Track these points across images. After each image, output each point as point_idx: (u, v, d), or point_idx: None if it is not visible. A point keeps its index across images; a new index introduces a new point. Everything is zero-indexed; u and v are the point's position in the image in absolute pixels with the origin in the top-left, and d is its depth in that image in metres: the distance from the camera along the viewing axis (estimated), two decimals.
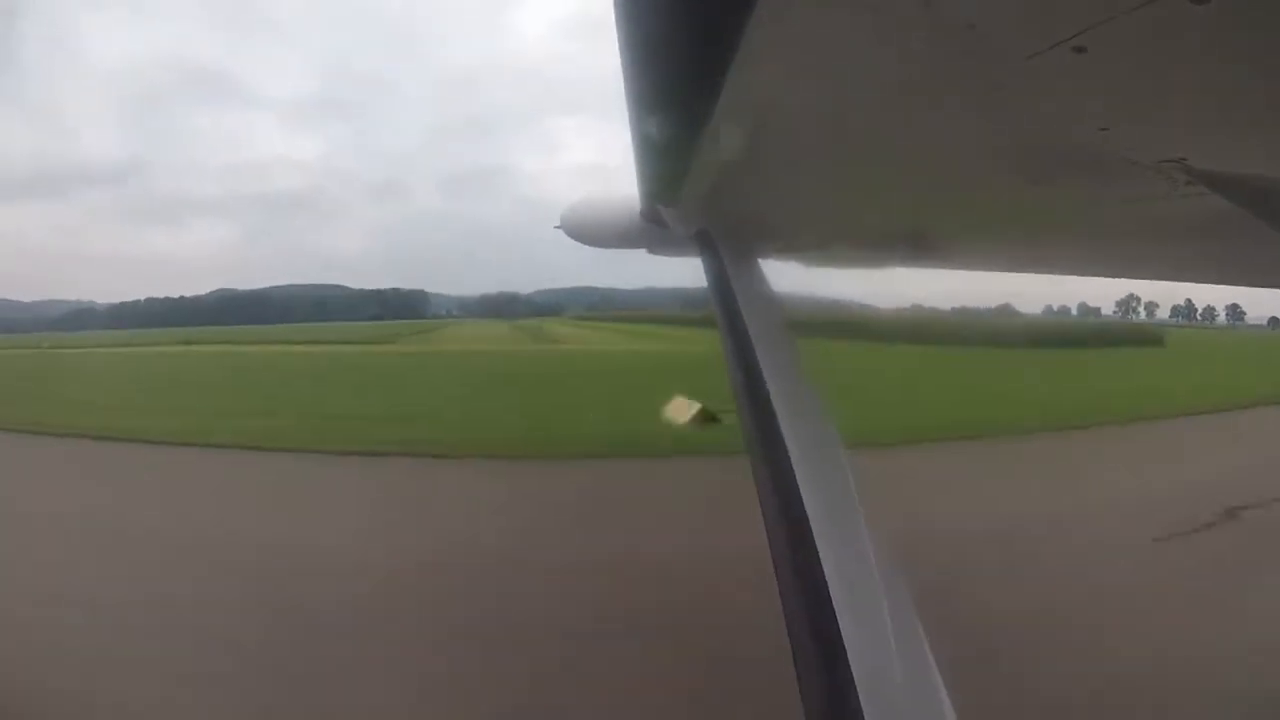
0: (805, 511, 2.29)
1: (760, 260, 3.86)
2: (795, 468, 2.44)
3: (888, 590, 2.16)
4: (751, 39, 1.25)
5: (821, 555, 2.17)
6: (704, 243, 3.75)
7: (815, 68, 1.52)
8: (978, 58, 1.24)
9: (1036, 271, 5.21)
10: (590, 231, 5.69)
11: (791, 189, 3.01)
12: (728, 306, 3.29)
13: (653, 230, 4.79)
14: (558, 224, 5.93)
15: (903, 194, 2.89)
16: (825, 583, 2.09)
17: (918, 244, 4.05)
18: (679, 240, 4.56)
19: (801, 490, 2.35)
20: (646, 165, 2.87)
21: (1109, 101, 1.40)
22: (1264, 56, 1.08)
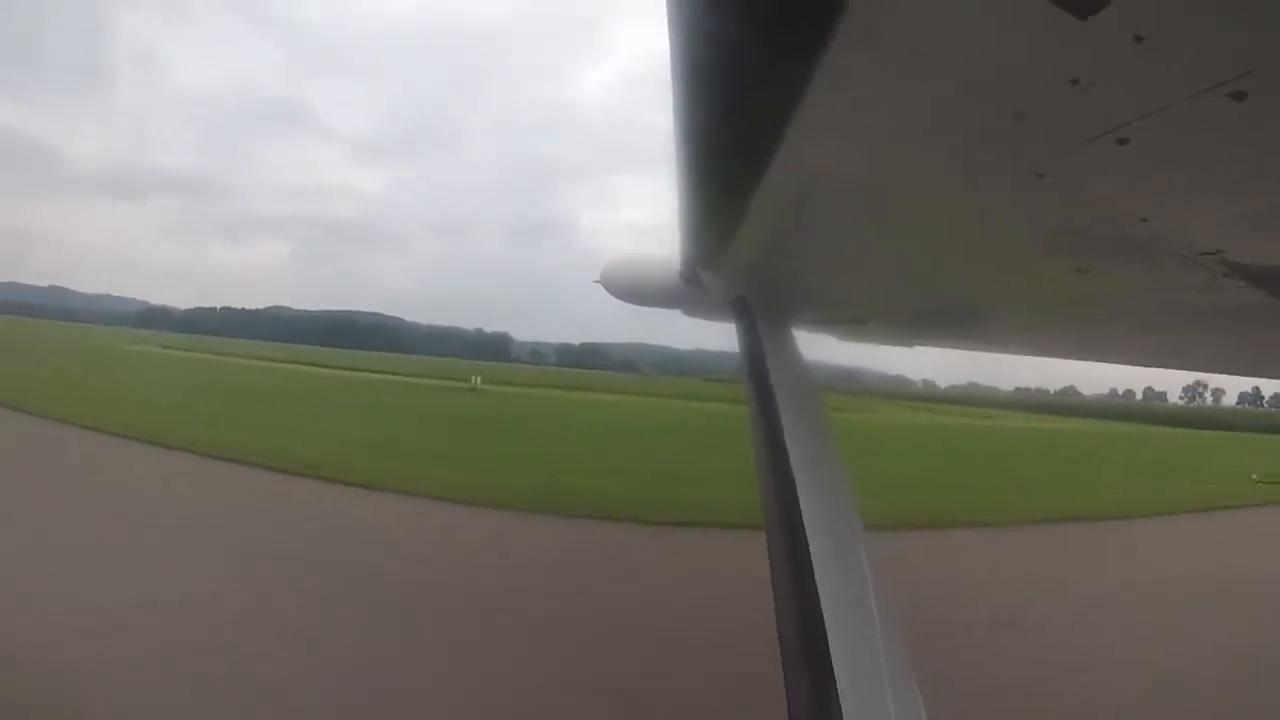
0: (817, 591, 2.25)
1: (795, 331, 3.90)
2: (810, 543, 2.41)
3: (891, 674, 2.10)
4: (805, 114, 1.32)
5: (829, 635, 2.13)
6: (741, 310, 3.78)
7: (866, 146, 1.59)
8: (1024, 146, 1.30)
9: (1074, 358, 5.18)
10: (628, 288, 5.78)
11: (834, 263, 3.07)
12: (759, 376, 3.30)
13: (690, 292, 4.86)
14: (597, 278, 6.05)
15: (944, 275, 2.93)
16: (830, 664, 2.05)
17: (957, 324, 4.06)
18: (716, 305, 4.62)
19: (815, 570, 2.32)
20: (690, 229, 2.94)
21: (1150, 193, 1.45)
22: None
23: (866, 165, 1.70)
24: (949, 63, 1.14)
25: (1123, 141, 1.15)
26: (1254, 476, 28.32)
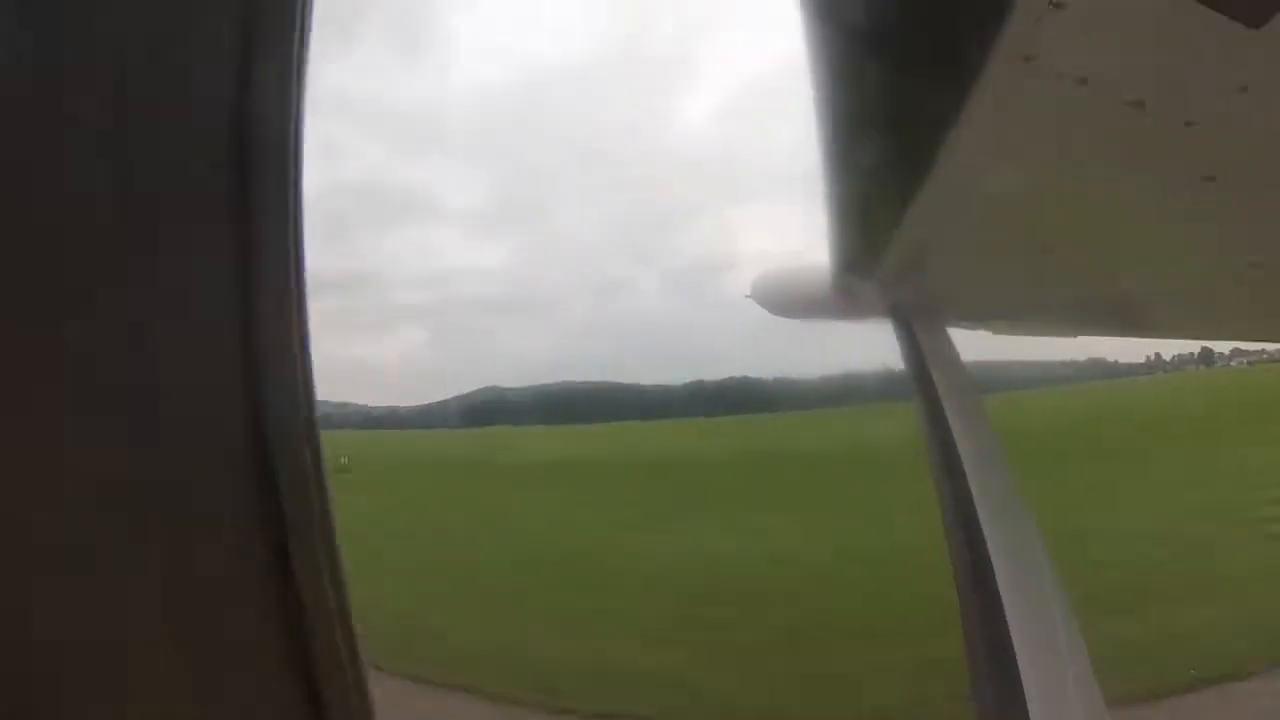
0: (997, 585, 2.42)
1: (950, 330, 4.00)
2: (987, 538, 2.56)
3: (1075, 668, 2.26)
4: (965, 127, 1.40)
5: (1009, 617, 2.30)
6: (898, 315, 3.93)
7: (1029, 156, 1.67)
8: (1194, 151, 1.37)
9: (1252, 339, 4.87)
10: (781, 301, 5.92)
11: (991, 269, 3.18)
12: (922, 376, 3.48)
13: (843, 302, 4.98)
14: (748, 293, 6.26)
15: (1107, 274, 2.98)
16: (1010, 639, 2.24)
17: (1125, 317, 4.01)
18: (869, 312, 4.74)
19: (995, 567, 2.48)
20: (843, 240, 3.08)
21: None
22: None
23: (1030, 175, 1.75)
24: (1116, 77, 1.17)
25: None
26: None
